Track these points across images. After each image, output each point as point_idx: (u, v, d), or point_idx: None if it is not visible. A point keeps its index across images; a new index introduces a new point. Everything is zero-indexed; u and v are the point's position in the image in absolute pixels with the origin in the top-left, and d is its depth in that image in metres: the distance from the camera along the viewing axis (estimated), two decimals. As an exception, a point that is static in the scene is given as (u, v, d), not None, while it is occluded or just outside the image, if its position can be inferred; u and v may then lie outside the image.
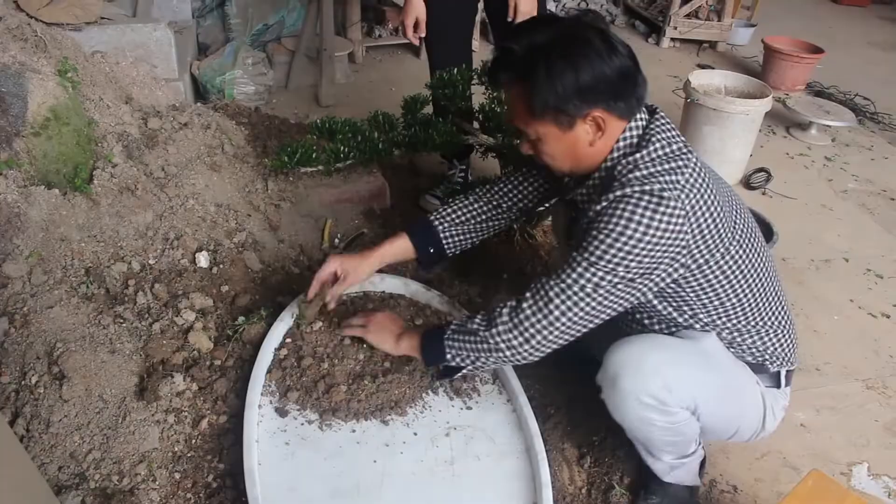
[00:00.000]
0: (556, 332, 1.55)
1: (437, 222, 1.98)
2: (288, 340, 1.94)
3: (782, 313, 1.74)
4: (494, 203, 1.98)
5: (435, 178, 3.20)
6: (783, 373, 1.76)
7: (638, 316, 1.72)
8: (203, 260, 2.17)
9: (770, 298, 1.70)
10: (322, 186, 2.65)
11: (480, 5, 2.83)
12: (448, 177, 3.11)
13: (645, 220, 1.44)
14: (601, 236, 1.47)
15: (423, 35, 2.65)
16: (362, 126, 2.50)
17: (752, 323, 1.68)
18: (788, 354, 1.75)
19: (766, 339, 1.71)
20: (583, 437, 2.03)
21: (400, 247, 1.98)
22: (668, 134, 1.55)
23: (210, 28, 4.20)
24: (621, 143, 1.55)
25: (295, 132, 2.97)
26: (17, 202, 1.87)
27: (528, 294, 1.58)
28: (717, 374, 1.65)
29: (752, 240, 1.65)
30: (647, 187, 1.46)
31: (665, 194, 1.45)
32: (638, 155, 1.52)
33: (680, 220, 1.46)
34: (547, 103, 1.49)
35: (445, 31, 2.71)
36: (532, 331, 1.56)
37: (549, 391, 2.10)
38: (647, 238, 1.45)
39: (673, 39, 5.56)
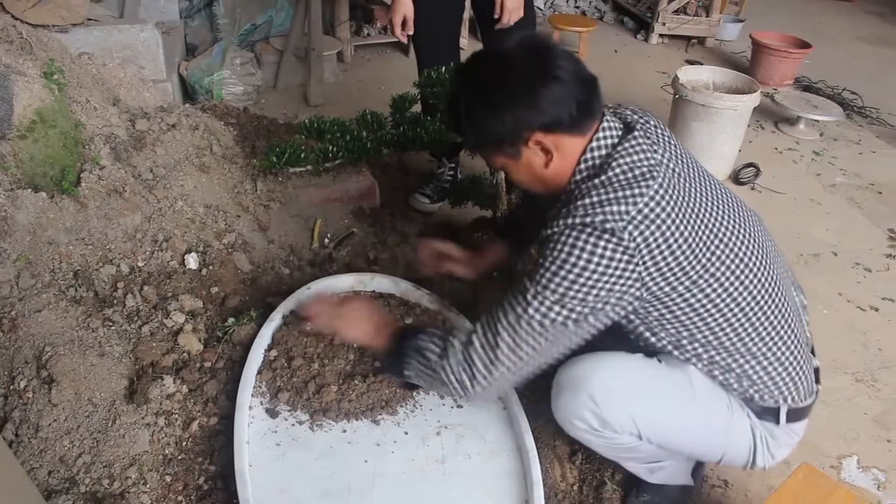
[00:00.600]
0: (505, 371, 1.48)
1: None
2: (278, 342, 1.94)
3: (782, 351, 1.57)
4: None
5: (424, 177, 3.20)
6: (783, 409, 1.61)
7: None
8: (192, 262, 2.16)
9: (762, 336, 1.54)
10: (311, 186, 2.64)
11: (468, 3, 2.82)
12: (437, 175, 3.11)
13: (585, 255, 1.36)
14: (545, 264, 1.40)
15: (411, 33, 2.64)
16: (351, 125, 2.50)
17: (737, 358, 1.55)
18: (789, 393, 1.60)
19: (754, 377, 1.57)
20: (574, 433, 2.03)
21: (498, 252, 2.05)
22: (637, 157, 1.44)
23: (198, 28, 4.18)
24: (582, 165, 1.47)
25: (284, 132, 2.96)
26: (3, 206, 1.86)
27: (478, 326, 1.51)
28: (676, 404, 1.57)
29: (745, 272, 1.49)
30: (588, 219, 1.37)
31: (608, 226, 1.35)
32: (597, 180, 1.42)
33: (624, 256, 1.37)
34: (481, 142, 1.54)
35: (433, 30, 2.71)
36: (479, 367, 1.49)
37: (539, 389, 2.10)
38: (590, 271, 1.37)
39: (661, 35, 5.57)
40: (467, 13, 3.74)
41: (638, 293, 1.42)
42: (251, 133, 2.88)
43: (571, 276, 1.37)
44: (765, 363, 1.56)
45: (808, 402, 1.65)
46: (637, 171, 1.41)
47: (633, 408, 1.53)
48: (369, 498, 1.64)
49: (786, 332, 1.57)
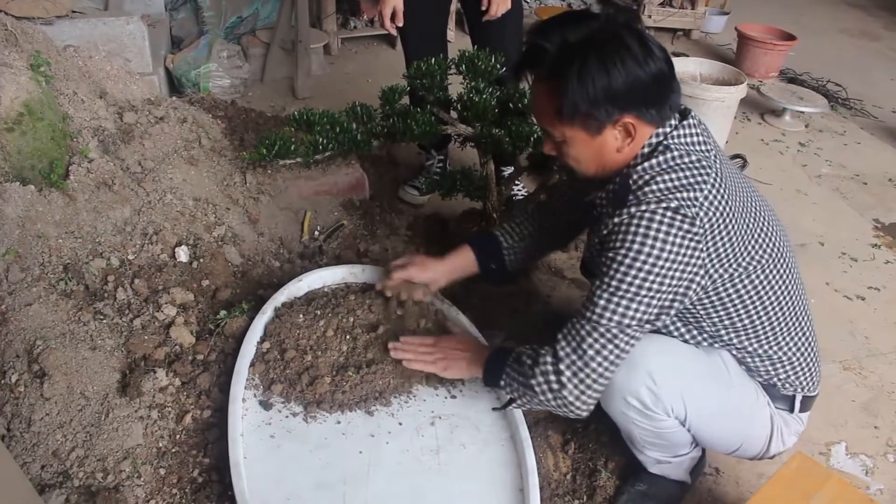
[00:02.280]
0: (594, 375, 1.48)
1: (500, 235, 1.97)
2: (270, 334, 1.93)
3: (802, 341, 1.67)
4: (552, 214, 1.98)
5: (413, 169, 3.20)
6: (798, 398, 1.71)
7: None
8: (183, 254, 2.15)
9: (789, 325, 1.63)
10: (301, 179, 2.64)
11: None
12: (426, 167, 3.11)
13: (661, 237, 1.39)
14: (619, 258, 1.42)
15: (400, 25, 2.64)
16: (340, 117, 2.49)
17: (766, 347, 1.63)
18: (805, 382, 1.70)
19: (778, 365, 1.66)
20: (566, 423, 2.04)
21: (465, 259, 1.97)
22: (690, 140, 1.48)
23: (183, 21, 4.15)
24: (645, 150, 1.48)
25: (272, 125, 2.95)
26: (-9, 199, 1.84)
27: (560, 336, 1.52)
28: (719, 388, 1.62)
29: (777, 262, 1.57)
30: (663, 204, 1.40)
31: (682, 212, 1.39)
32: (654, 161, 1.45)
33: (697, 238, 1.41)
34: (577, 107, 1.41)
35: (420, 22, 2.71)
36: (569, 374, 1.49)
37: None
38: (665, 255, 1.39)
39: (647, 28, 5.57)
40: (454, 5, 3.74)
41: (702, 282, 1.47)
42: (239, 126, 2.86)
43: (652, 257, 1.40)
44: (789, 352, 1.65)
45: (817, 391, 1.76)
46: (693, 157, 1.46)
47: (686, 387, 1.57)
48: (364, 488, 1.64)
49: (806, 323, 1.68)
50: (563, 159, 1.56)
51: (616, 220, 1.44)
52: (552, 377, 1.51)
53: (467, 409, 1.85)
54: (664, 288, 1.43)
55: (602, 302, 1.45)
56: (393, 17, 2.61)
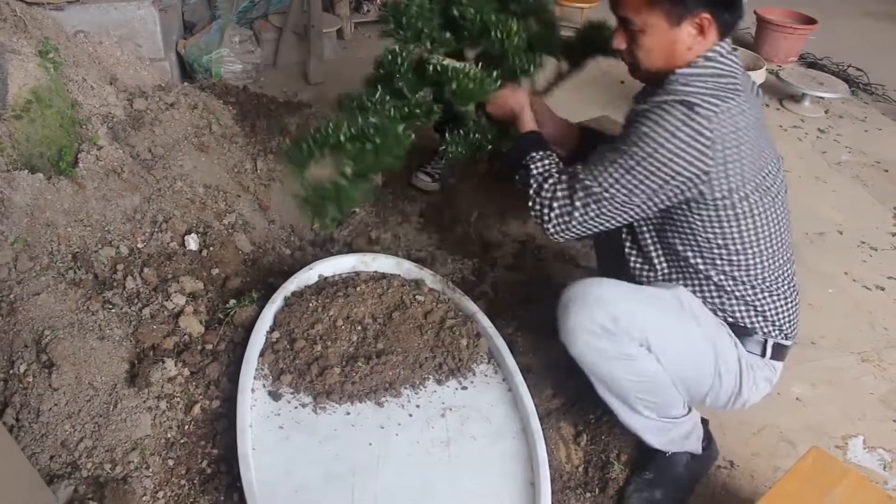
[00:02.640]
0: (578, 218, 1.66)
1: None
2: (280, 323, 1.92)
3: (784, 281, 1.74)
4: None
5: (425, 154, 3.16)
6: (770, 343, 1.74)
7: (641, 242, 1.77)
8: (192, 243, 2.14)
9: (775, 262, 1.71)
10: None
11: None
12: (439, 152, 3.07)
13: (670, 128, 1.51)
14: (629, 137, 1.57)
15: None
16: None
17: (751, 277, 1.69)
18: (781, 324, 1.74)
19: (759, 298, 1.71)
20: (578, 415, 2.02)
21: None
22: (734, 67, 1.61)
23: (195, 6, 4.12)
24: (698, 59, 1.60)
25: (284, 111, 2.93)
26: (0, 188, 1.83)
27: (563, 176, 1.70)
28: (676, 315, 1.66)
29: (776, 202, 1.68)
30: (682, 98, 1.53)
31: (698, 110, 1.51)
32: (697, 70, 1.58)
33: (706, 141, 1.51)
34: None
35: None
36: (556, 208, 1.68)
37: (542, 372, 2.09)
38: (669, 145, 1.52)
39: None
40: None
41: (701, 187, 1.57)
42: (251, 112, 2.84)
43: (650, 147, 1.53)
44: (766, 292, 1.71)
45: (791, 342, 1.80)
46: (728, 79, 1.59)
47: (644, 312, 1.61)
48: (374, 480, 1.63)
49: (789, 271, 1.77)
50: (633, 52, 1.65)
51: (640, 107, 1.60)
52: (545, 202, 1.71)
53: (478, 401, 1.84)
54: (658, 174, 1.55)
55: (601, 167, 1.61)
56: None
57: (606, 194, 1.61)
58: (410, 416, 1.77)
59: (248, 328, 1.91)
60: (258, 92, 3.17)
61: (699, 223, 1.64)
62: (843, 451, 2.07)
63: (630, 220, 1.69)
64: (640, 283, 1.78)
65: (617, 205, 1.62)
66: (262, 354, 1.85)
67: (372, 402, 1.79)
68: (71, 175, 1.99)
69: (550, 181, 1.72)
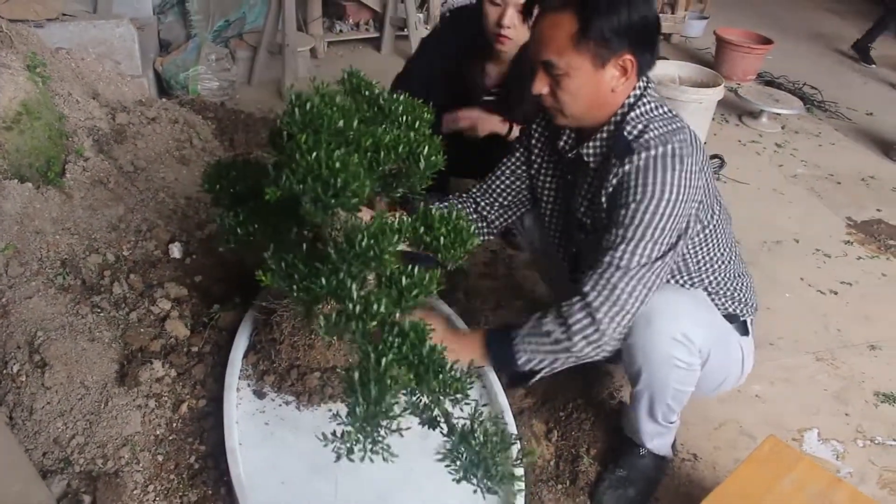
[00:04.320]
0: (629, 315, 1.61)
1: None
2: (263, 327, 1.99)
3: (743, 266, 1.93)
4: (473, 206, 2.01)
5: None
6: (749, 321, 1.92)
7: None
8: (176, 251, 2.21)
9: (735, 253, 1.88)
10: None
11: None
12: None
13: (671, 181, 1.54)
14: (642, 207, 1.56)
15: None
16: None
17: (731, 273, 1.84)
18: (752, 303, 1.93)
19: (736, 288, 1.87)
20: (549, 413, 2.11)
21: None
22: (657, 96, 1.67)
23: (171, 25, 4.19)
24: (629, 100, 1.63)
25: (261, 126, 3.01)
26: (-9, 196, 1.89)
27: (588, 289, 1.62)
28: (718, 319, 1.81)
29: (719, 196, 1.80)
30: (666, 147, 1.56)
31: (684, 152, 1.56)
32: (640, 112, 1.62)
33: (697, 174, 1.58)
34: (601, 33, 1.52)
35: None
36: (607, 321, 1.60)
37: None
38: (679, 194, 1.55)
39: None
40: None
41: (695, 209, 1.64)
42: (229, 127, 2.93)
43: (672, 203, 1.56)
44: (740, 281, 1.88)
45: (755, 313, 1.97)
46: (665, 108, 1.66)
47: (709, 321, 1.72)
48: (357, 473, 1.68)
49: (739, 257, 1.93)
50: (556, 98, 1.63)
51: (626, 167, 1.58)
52: (590, 330, 1.61)
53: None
54: (674, 218, 1.58)
55: (628, 247, 1.58)
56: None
57: (647, 268, 1.59)
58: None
59: (232, 331, 1.97)
60: (235, 108, 3.25)
61: (690, 248, 1.74)
62: (799, 443, 2.19)
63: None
64: None
65: (658, 266, 1.60)
66: (245, 356, 1.92)
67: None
68: (59, 185, 2.06)
69: (573, 318, 1.62)
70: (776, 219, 3.40)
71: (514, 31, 2.26)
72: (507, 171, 1.98)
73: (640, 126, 1.60)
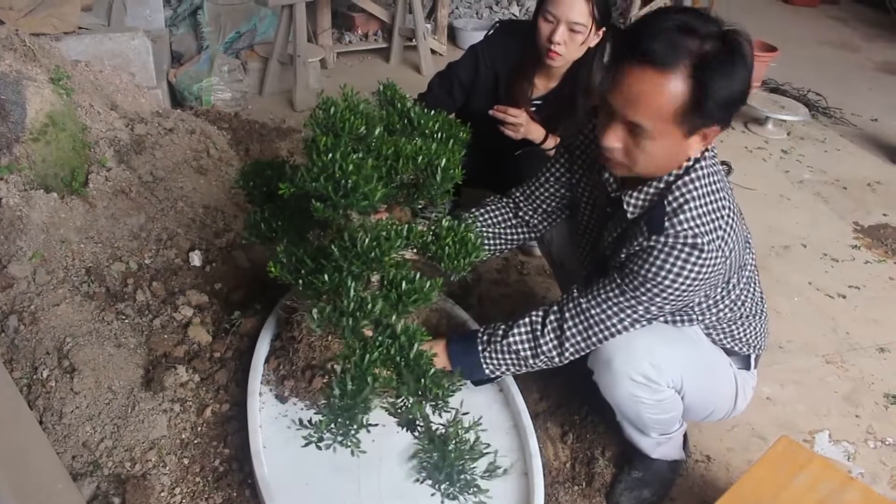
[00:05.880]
0: (592, 347, 1.68)
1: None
2: (282, 333, 2.02)
3: (760, 305, 1.86)
4: (514, 209, 2.00)
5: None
6: (753, 356, 1.90)
7: None
8: (196, 259, 2.25)
9: (751, 293, 1.80)
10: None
11: None
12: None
13: (687, 274, 1.51)
14: (648, 284, 1.55)
15: None
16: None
17: (737, 317, 1.79)
18: (760, 341, 1.89)
19: (743, 328, 1.82)
20: (564, 416, 2.15)
21: None
22: (714, 159, 1.59)
23: (183, 37, 4.25)
24: (688, 161, 1.54)
25: (275, 136, 3.06)
26: (18, 205, 1.94)
27: (567, 316, 1.66)
28: (699, 353, 1.76)
29: (747, 246, 1.73)
30: (694, 241, 1.49)
31: (710, 247, 1.49)
32: (689, 178, 1.52)
33: (718, 267, 1.53)
34: (714, 109, 1.40)
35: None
36: (573, 349, 1.67)
37: (528, 378, 2.20)
38: (690, 286, 1.54)
39: (633, 40, 5.70)
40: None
41: (706, 292, 1.64)
42: (244, 137, 2.97)
43: (675, 285, 1.53)
44: (748, 326, 1.83)
45: (764, 350, 1.94)
46: (715, 177, 1.56)
47: (679, 357, 1.69)
48: (378, 473, 1.73)
49: (761, 300, 1.87)
50: (634, 153, 1.49)
51: (649, 243, 1.53)
52: (554, 353, 1.68)
53: (470, 400, 1.94)
54: (675, 300, 1.58)
55: (620, 301, 1.60)
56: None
57: (629, 323, 1.62)
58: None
59: (253, 337, 2.01)
60: (249, 118, 3.30)
61: (698, 310, 1.74)
62: (811, 444, 2.22)
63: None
64: None
65: (629, 325, 1.63)
66: (267, 361, 1.95)
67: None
68: (82, 195, 2.10)
69: (544, 338, 1.68)
70: (783, 224, 3.44)
71: (565, 48, 2.33)
72: (552, 179, 1.94)
73: (681, 199, 1.51)
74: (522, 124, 2.51)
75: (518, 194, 2.00)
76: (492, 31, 2.61)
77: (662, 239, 1.51)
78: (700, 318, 1.76)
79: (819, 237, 3.36)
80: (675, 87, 1.37)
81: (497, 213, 2.00)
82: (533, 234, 2.04)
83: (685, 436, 2.05)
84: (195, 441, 1.81)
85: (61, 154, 2.12)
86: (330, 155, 1.42)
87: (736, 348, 1.85)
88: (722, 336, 1.82)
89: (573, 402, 2.18)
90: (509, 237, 2.02)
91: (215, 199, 2.54)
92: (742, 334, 1.83)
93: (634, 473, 1.98)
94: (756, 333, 1.86)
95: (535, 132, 2.55)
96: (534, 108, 2.59)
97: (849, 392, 2.43)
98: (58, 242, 1.99)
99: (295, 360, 1.92)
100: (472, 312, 2.40)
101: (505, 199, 2.02)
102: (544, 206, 1.97)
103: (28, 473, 1.28)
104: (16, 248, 1.92)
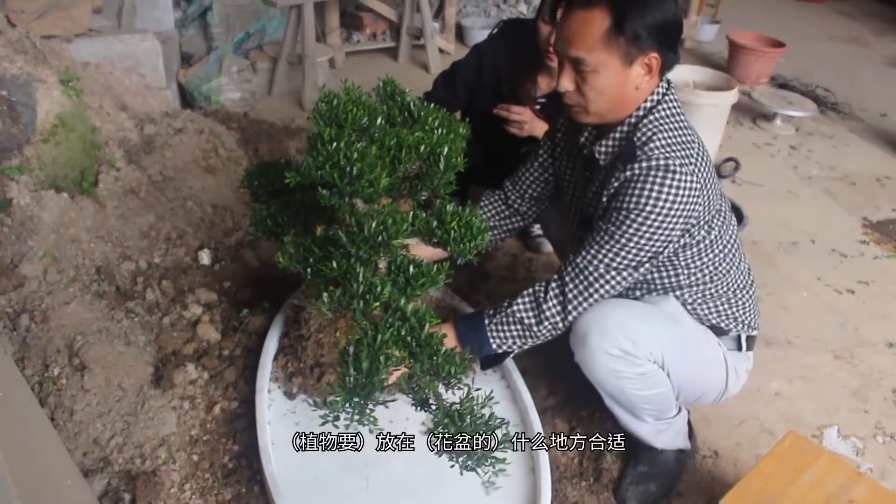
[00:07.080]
0: (592, 305, 1.70)
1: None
2: (290, 331, 2.04)
3: (746, 284, 1.90)
4: (504, 200, 2.09)
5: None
6: (743, 336, 1.91)
7: None
8: (205, 258, 2.27)
9: (736, 268, 1.86)
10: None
11: None
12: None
13: (665, 197, 1.57)
14: (632, 215, 1.60)
15: None
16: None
17: (723, 289, 1.83)
18: (749, 320, 1.91)
19: (729, 303, 1.85)
20: (571, 412, 2.15)
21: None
22: (676, 103, 1.69)
23: (192, 38, 4.28)
24: (647, 103, 1.65)
25: (284, 135, 3.07)
26: (29, 206, 1.96)
27: (567, 279, 1.71)
28: (679, 329, 1.79)
29: (727, 212, 1.80)
30: (667, 162, 1.58)
31: (683, 170, 1.58)
32: (655, 117, 1.64)
33: (694, 193, 1.59)
34: (632, 30, 1.54)
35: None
36: (576, 312, 1.70)
37: (536, 374, 2.22)
38: (670, 211, 1.59)
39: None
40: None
41: (688, 225, 1.66)
42: (253, 136, 2.99)
43: (661, 216, 1.59)
44: (734, 295, 1.86)
45: (756, 332, 1.96)
46: (679, 117, 1.67)
47: (656, 329, 1.71)
48: (385, 470, 1.74)
49: (747, 273, 1.91)
50: (585, 92, 1.64)
51: (627, 174, 1.61)
52: (558, 318, 1.72)
53: (479, 397, 1.95)
54: (664, 235, 1.62)
55: (615, 248, 1.65)
56: None
57: (624, 269, 1.67)
58: (416, 411, 1.89)
59: (261, 335, 2.03)
60: (257, 118, 3.32)
61: (682, 261, 1.76)
62: (819, 439, 2.21)
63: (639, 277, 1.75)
64: None
65: (628, 275, 1.68)
66: (275, 358, 1.97)
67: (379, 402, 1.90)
68: (92, 195, 2.13)
69: (547, 304, 1.71)
70: (792, 220, 3.43)
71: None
72: (536, 164, 2.04)
73: (648, 133, 1.62)
74: (527, 122, 2.53)
75: (507, 184, 2.11)
76: (495, 31, 2.63)
77: (636, 166, 1.60)
78: (686, 280, 1.80)
79: (828, 233, 3.35)
80: (597, 16, 1.56)
81: (490, 206, 2.11)
82: (525, 221, 2.14)
83: (691, 428, 2.04)
84: (204, 438, 1.82)
85: (71, 155, 2.14)
86: (334, 144, 1.44)
87: (723, 325, 1.87)
88: (707, 312, 1.85)
89: (580, 398, 2.18)
90: (504, 227, 2.13)
91: (224, 199, 2.56)
92: (729, 309, 1.86)
93: (640, 467, 1.97)
94: (745, 309, 1.88)
95: (540, 129, 2.56)
96: (538, 106, 2.60)
97: (857, 387, 2.43)
98: (68, 242, 2.01)
99: (303, 358, 1.94)
100: (479, 309, 2.41)
101: (497, 193, 2.12)
102: (530, 192, 2.07)
103: (39, 470, 1.30)
104: (27, 248, 1.94)
